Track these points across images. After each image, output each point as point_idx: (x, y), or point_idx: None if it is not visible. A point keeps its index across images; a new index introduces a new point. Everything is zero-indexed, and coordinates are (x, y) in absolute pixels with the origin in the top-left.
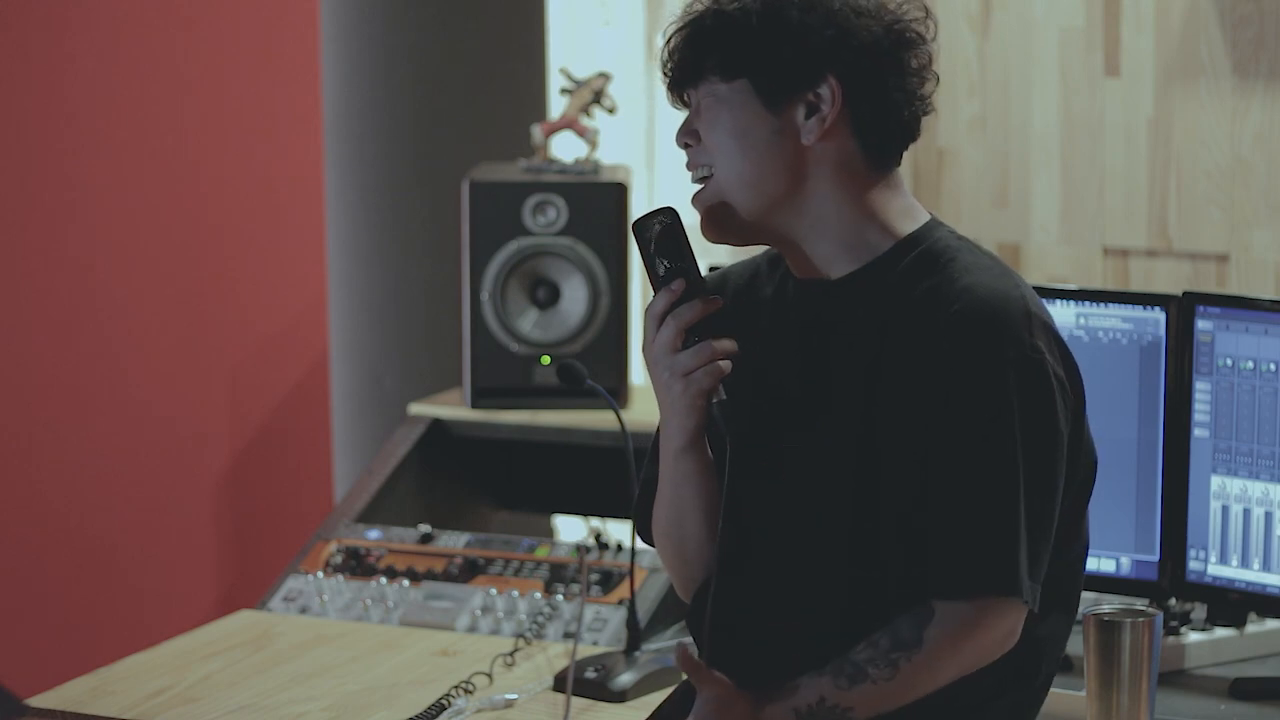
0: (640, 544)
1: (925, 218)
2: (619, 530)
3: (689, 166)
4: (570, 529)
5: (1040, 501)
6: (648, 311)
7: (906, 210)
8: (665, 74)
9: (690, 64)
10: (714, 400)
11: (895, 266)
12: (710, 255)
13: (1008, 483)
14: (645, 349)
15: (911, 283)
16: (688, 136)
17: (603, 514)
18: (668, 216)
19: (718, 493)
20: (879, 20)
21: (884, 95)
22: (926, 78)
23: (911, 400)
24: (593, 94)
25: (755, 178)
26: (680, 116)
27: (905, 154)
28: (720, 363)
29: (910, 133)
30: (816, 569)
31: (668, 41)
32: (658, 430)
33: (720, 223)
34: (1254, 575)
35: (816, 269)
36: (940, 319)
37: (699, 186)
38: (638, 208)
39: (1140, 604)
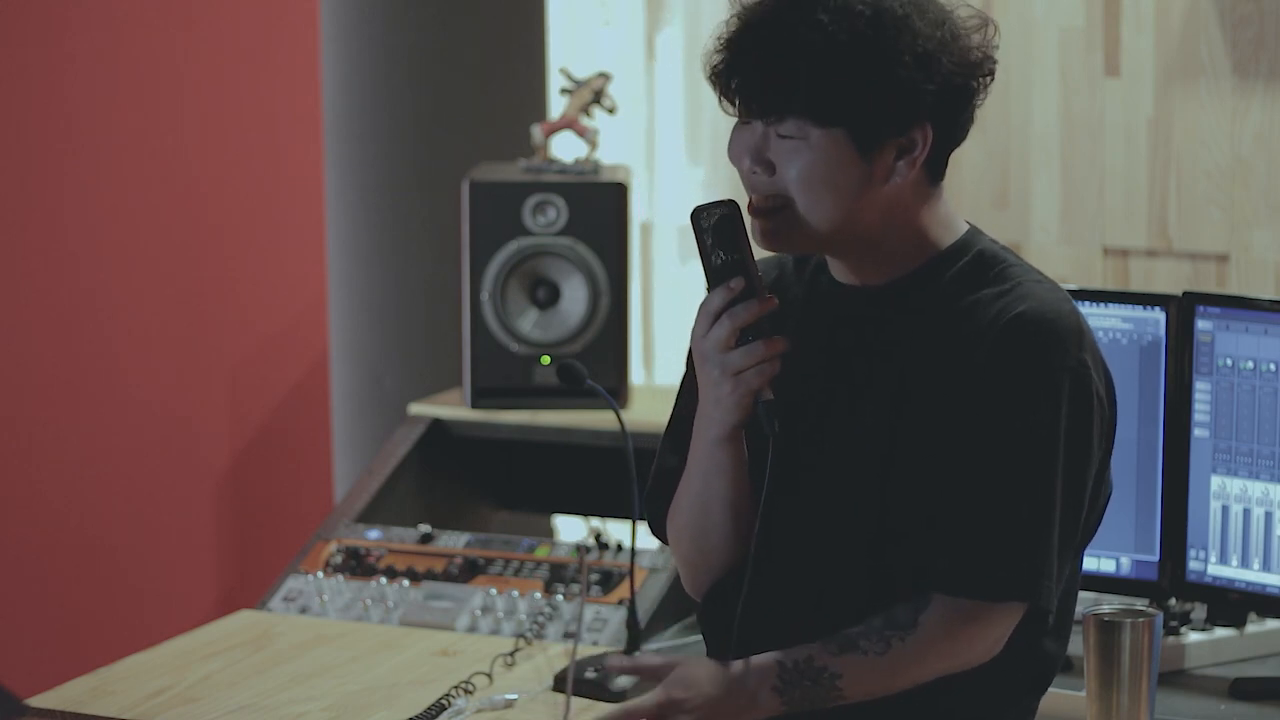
0: (640, 544)
1: (965, 227)
2: (619, 530)
3: (752, 189)
4: (570, 529)
5: (1070, 512)
6: (702, 307)
7: (949, 219)
8: (729, 88)
9: (779, 97)
10: (761, 400)
11: (942, 275)
12: None
13: (1043, 488)
14: (695, 342)
15: (959, 292)
16: (761, 167)
17: (603, 514)
18: (729, 208)
19: (747, 487)
20: (966, 58)
21: (961, 129)
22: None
23: (953, 407)
24: (593, 94)
25: (841, 219)
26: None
27: None
28: (770, 363)
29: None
30: (843, 569)
31: (744, 54)
32: (672, 419)
33: (787, 242)
34: (1254, 575)
35: (861, 275)
36: (993, 330)
37: (765, 205)
38: (638, 208)
39: (1140, 604)
